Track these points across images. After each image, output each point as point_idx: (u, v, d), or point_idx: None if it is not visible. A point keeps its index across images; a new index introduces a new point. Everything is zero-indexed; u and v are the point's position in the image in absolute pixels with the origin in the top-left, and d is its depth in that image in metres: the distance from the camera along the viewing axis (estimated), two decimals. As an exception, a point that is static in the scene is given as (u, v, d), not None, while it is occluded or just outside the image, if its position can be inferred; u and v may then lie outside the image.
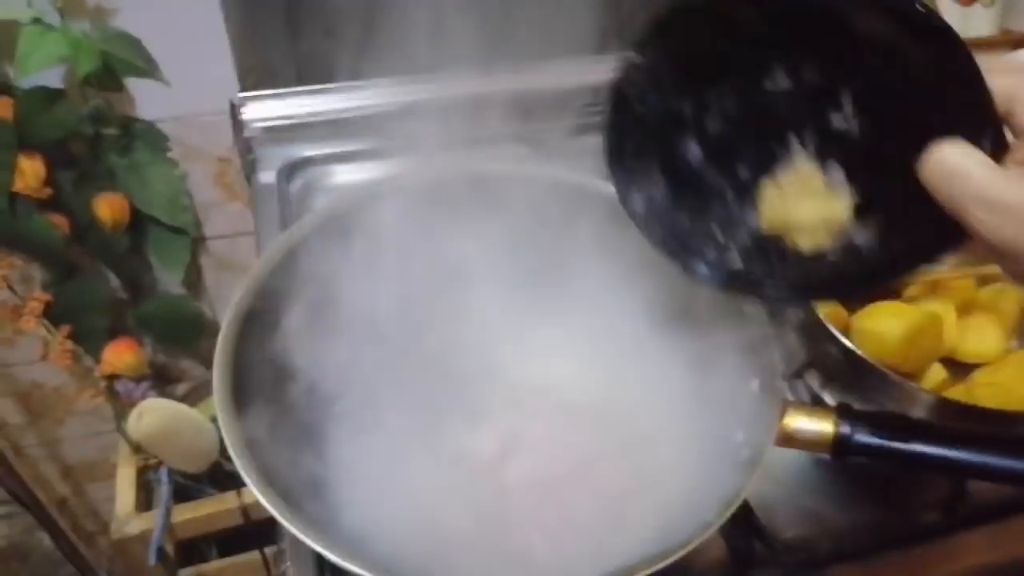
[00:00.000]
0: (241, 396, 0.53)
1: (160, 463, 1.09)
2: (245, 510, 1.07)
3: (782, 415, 0.52)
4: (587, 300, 0.74)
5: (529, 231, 0.73)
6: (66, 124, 0.93)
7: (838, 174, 0.44)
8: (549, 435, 0.62)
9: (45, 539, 1.37)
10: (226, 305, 0.58)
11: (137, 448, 1.13)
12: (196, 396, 1.22)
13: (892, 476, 0.70)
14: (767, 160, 0.46)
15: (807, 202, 0.45)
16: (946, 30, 0.39)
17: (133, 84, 0.96)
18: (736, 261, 0.50)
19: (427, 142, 0.97)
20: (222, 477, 1.14)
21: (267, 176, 0.96)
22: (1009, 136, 0.39)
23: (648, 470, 0.61)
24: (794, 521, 0.66)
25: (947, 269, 0.79)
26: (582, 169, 0.75)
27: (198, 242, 1.13)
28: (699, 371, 0.65)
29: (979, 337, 0.72)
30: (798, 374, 0.71)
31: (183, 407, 1.00)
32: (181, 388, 1.26)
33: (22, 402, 1.26)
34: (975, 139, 0.38)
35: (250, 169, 0.99)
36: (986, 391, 0.67)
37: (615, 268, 0.72)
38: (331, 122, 1.00)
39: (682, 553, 0.45)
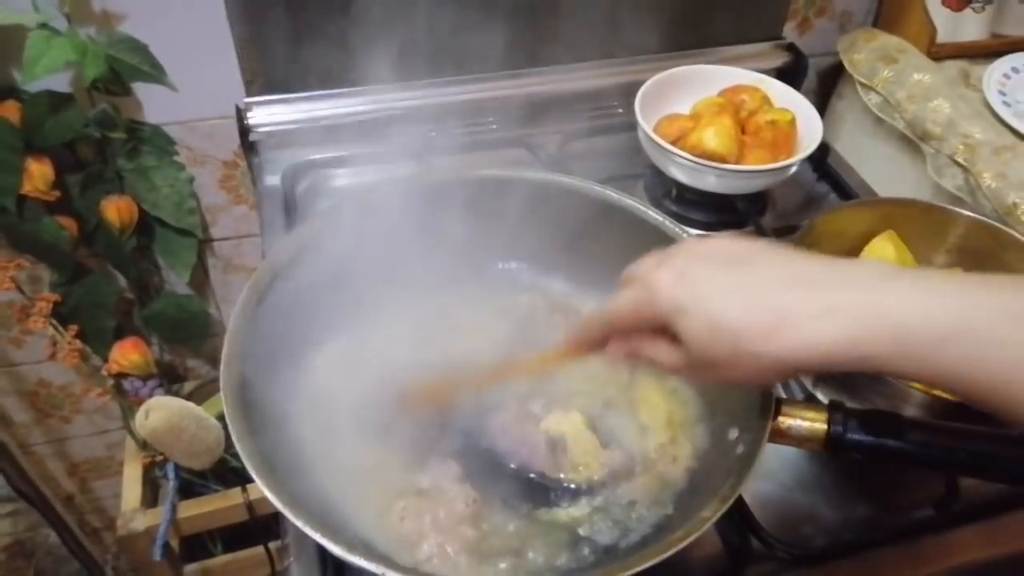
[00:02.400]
0: (248, 396, 0.55)
1: (166, 460, 1.10)
2: (250, 506, 1.08)
3: (776, 413, 0.53)
4: (583, 301, 0.75)
5: (528, 232, 0.75)
6: (74, 128, 0.94)
7: None
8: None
9: (51, 535, 1.38)
10: (232, 306, 0.59)
11: (143, 445, 1.14)
12: (202, 394, 1.23)
13: (885, 473, 0.71)
14: None
15: None
16: None
17: (140, 88, 0.97)
18: None
19: (429, 146, 0.99)
20: (227, 473, 1.15)
21: (272, 179, 0.98)
22: None
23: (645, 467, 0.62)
24: (788, 517, 0.67)
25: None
26: (580, 173, 0.76)
27: (204, 244, 1.14)
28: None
29: (970, 336, 0.73)
30: (792, 373, 0.72)
31: (189, 405, 1.01)
32: (187, 386, 1.27)
33: (30, 400, 1.27)
34: None
35: (255, 172, 1.01)
36: (976, 389, 0.68)
37: (610, 269, 0.73)
38: (335, 126, 1.01)
39: (678, 548, 0.46)
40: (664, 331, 0.47)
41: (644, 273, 0.47)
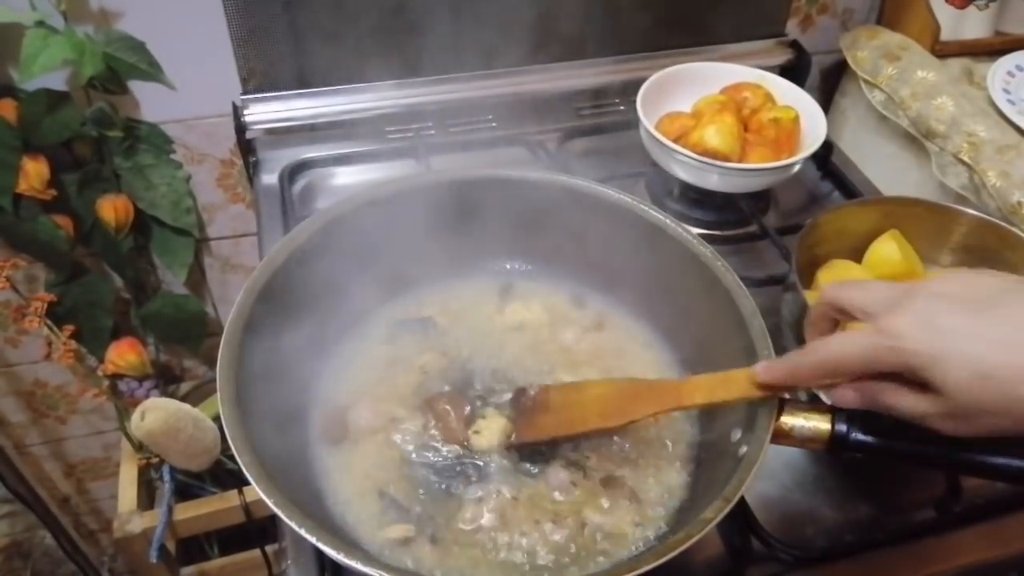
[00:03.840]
0: (245, 397, 0.54)
1: (162, 462, 1.09)
2: (246, 508, 1.07)
3: (779, 413, 0.53)
4: (585, 300, 0.75)
5: (527, 233, 0.74)
6: (70, 126, 0.93)
7: None
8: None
9: (47, 537, 1.37)
10: (229, 305, 0.59)
11: (139, 447, 1.13)
12: (198, 395, 1.23)
13: (887, 474, 0.71)
14: None
15: None
16: None
17: (137, 87, 0.97)
18: None
19: (427, 144, 0.98)
20: (224, 475, 1.15)
21: (269, 178, 0.97)
22: None
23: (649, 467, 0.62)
24: (790, 518, 0.67)
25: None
26: (581, 171, 0.76)
27: (201, 243, 1.14)
28: (697, 370, 0.66)
29: (974, 336, 0.72)
30: (795, 373, 0.71)
31: (185, 406, 1.00)
32: (183, 387, 1.27)
33: (25, 401, 1.27)
34: None
35: (252, 171, 1.00)
36: (981, 390, 0.68)
37: (612, 269, 0.73)
38: (332, 124, 1.01)
39: (680, 550, 0.46)
40: (902, 377, 0.45)
41: (877, 316, 0.45)
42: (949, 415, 0.43)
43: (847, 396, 0.49)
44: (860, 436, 0.52)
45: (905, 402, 0.45)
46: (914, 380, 0.44)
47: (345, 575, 0.60)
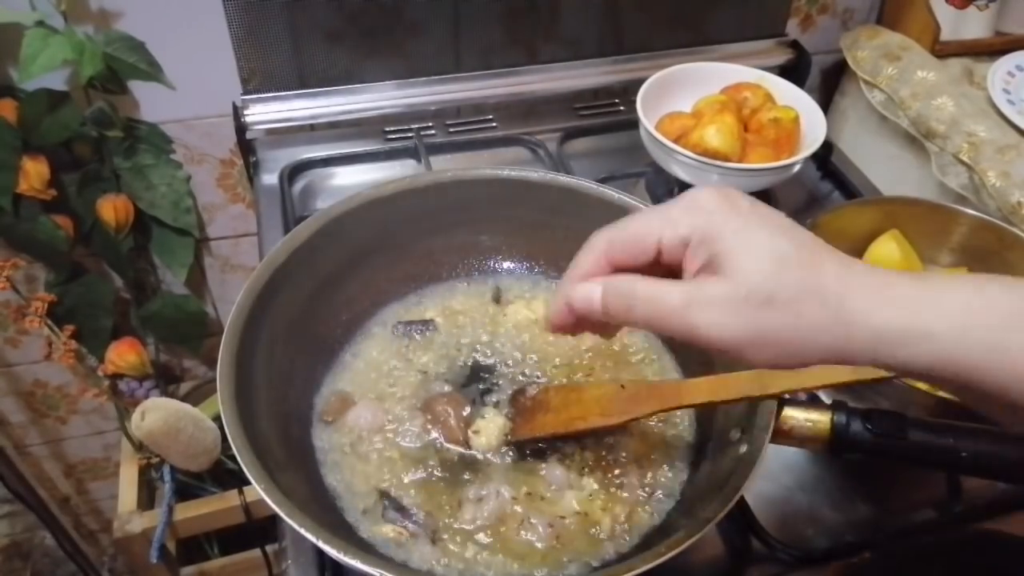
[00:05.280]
0: (245, 397, 0.54)
1: (162, 462, 1.09)
2: (247, 508, 1.07)
3: (779, 412, 0.53)
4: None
5: (527, 233, 0.74)
6: (70, 126, 0.93)
7: None
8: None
9: (47, 537, 1.38)
10: (229, 305, 0.59)
11: (140, 447, 1.13)
12: (199, 395, 1.23)
13: (888, 474, 0.71)
14: None
15: None
16: None
17: (137, 87, 0.97)
18: None
19: (428, 144, 0.99)
20: (224, 475, 1.15)
21: (269, 178, 0.97)
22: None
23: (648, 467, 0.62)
24: (790, 518, 0.67)
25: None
26: (581, 171, 0.76)
27: (201, 243, 1.14)
28: (696, 370, 0.66)
29: (973, 336, 0.72)
30: (794, 373, 0.71)
31: (185, 406, 1.00)
32: (184, 387, 1.27)
33: (26, 401, 1.27)
34: None
35: (252, 171, 1.00)
36: (980, 390, 0.68)
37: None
38: (332, 124, 1.02)
39: (680, 549, 0.46)
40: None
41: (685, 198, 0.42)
42: (729, 301, 0.38)
43: (594, 294, 0.43)
44: (859, 435, 0.52)
45: (670, 288, 0.40)
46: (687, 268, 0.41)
47: (345, 575, 0.60)
